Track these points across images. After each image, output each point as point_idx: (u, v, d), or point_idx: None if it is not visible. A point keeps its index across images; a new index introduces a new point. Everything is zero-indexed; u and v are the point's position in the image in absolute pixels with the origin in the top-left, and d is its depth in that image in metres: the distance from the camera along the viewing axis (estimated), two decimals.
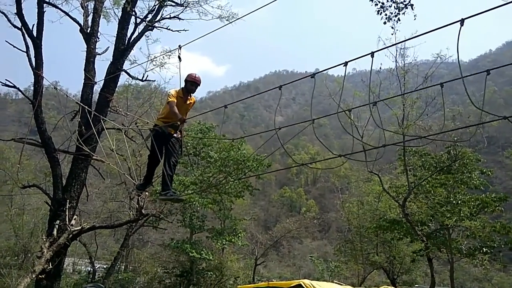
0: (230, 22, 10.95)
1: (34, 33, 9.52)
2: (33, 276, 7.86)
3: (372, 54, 4.51)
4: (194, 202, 18.76)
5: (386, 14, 9.53)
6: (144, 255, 25.62)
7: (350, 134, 5.93)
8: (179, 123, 6.43)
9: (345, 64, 4.72)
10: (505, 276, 26.24)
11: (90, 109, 9.40)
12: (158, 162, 6.73)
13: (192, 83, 6.55)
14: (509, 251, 16.60)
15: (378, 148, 5.89)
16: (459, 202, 14.77)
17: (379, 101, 6.15)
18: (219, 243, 20.31)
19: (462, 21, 3.75)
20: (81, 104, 9.30)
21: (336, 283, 14.40)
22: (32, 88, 9.71)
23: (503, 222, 16.00)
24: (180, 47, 6.50)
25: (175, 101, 6.37)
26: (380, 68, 16.51)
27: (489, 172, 16.40)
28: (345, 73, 5.13)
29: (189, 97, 6.65)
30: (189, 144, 19.99)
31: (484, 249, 14.55)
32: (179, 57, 6.45)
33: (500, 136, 65.96)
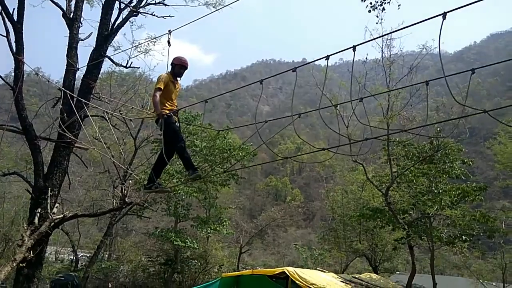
0: (217, 10, 10.85)
1: (15, 17, 9.24)
2: (14, 264, 7.75)
3: (354, 47, 4.51)
4: (179, 191, 18.71)
5: (371, 3, 9.60)
6: (128, 243, 25.54)
7: (335, 131, 5.96)
8: (157, 116, 6.11)
9: (327, 58, 4.74)
10: (483, 263, 26.90)
11: (73, 94, 9.23)
12: (172, 153, 6.44)
13: (181, 66, 6.39)
14: (487, 239, 17.01)
15: (362, 141, 5.94)
16: (441, 191, 15.01)
17: (366, 97, 6.20)
18: (203, 232, 20.36)
19: (444, 15, 3.79)
20: (64, 89, 9.10)
21: (319, 270, 14.66)
22: (13, 74, 9.46)
23: (483, 211, 16.36)
24: (170, 31, 6.34)
25: (162, 88, 6.12)
26: (366, 58, 16.54)
27: (470, 162, 16.70)
28: (326, 67, 5.13)
29: (176, 82, 6.49)
30: None
31: (464, 237, 14.88)
32: (168, 42, 6.29)
33: (482, 127, 67.24)
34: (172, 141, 6.11)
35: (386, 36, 15.20)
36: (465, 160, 16.23)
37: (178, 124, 6.44)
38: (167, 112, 6.09)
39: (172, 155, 6.50)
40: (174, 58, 6.40)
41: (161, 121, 6.01)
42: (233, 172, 21.33)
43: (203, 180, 20.39)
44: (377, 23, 15.82)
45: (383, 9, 9.74)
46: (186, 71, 6.51)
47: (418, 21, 4.15)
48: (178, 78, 6.53)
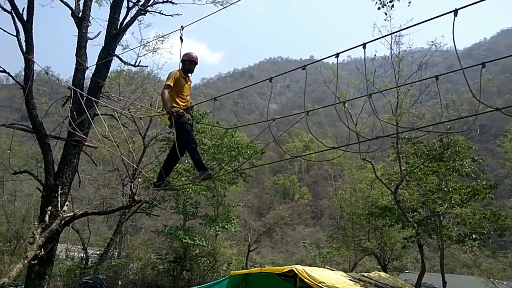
0: (225, 7, 10.82)
1: (25, 17, 9.33)
2: (26, 262, 7.84)
3: (364, 45, 4.49)
4: (188, 189, 18.75)
5: (380, 0, 9.55)
6: (137, 241, 25.70)
7: (346, 125, 5.93)
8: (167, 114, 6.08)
9: (337, 55, 4.73)
10: (494, 262, 26.66)
11: (82, 93, 9.30)
12: (183, 152, 6.40)
13: (191, 62, 6.41)
14: (498, 238, 16.84)
15: (371, 140, 5.89)
16: (451, 189, 14.89)
17: (375, 93, 6.16)
18: (212, 230, 20.41)
19: (455, 11, 3.74)
20: (74, 88, 9.18)
21: (328, 268, 14.64)
22: (23, 73, 9.56)
23: (493, 209, 16.21)
24: (182, 27, 6.35)
25: (171, 85, 6.11)
26: (375, 55, 16.42)
27: (481, 160, 16.53)
28: (337, 64, 5.12)
29: (188, 78, 6.49)
30: None
31: (474, 236, 14.73)
32: (181, 38, 6.32)
33: (493, 124, 66.48)
34: (183, 141, 6.08)
35: (395, 33, 15.08)
36: (475, 158, 16.07)
37: (192, 122, 6.41)
38: (179, 110, 6.05)
39: (183, 154, 6.50)
40: (184, 55, 6.42)
41: (172, 119, 5.99)
42: (242, 170, 21.33)
43: (212, 178, 20.40)
44: (385, 20, 15.69)
45: (392, 6, 9.68)
46: (196, 66, 6.51)
47: (429, 18, 4.11)
48: (190, 74, 6.53)
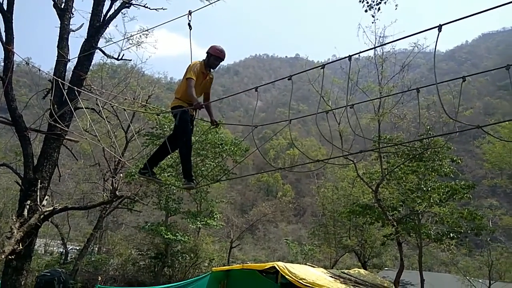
0: (211, 3, 10.75)
1: (5, 6, 9.11)
2: (3, 256, 7.70)
3: (349, 57, 4.55)
4: (171, 186, 18.66)
5: (368, 2, 9.64)
6: (118, 237, 25.43)
7: (329, 141, 6.01)
8: (194, 108, 5.69)
9: (323, 66, 4.80)
10: (470, 260, 27.30)
11: (64, 82, 9.15)
12: (175, 149, 6.14)
13: (216, 57, 5.96)
14: (474, 237, 17.28)
15: (356, 154, 6.00)
16: (430, 189, 15.19)
17: (357, 103, 6.26)
18: (194, 224, 20.37)
19: (440, 27, 3.82)
20: (56, 78, 9.00)
21: (309, 265, 14.80)
22: (2, 64, 9.35)
23: (471, 209, 16.61)
24: (190, 12, 5.79)
25: (194, 79, 5.68)
26: (359, 55, 16.63)
27: (459, 161, 16.91)
28: (323, 77, 5.21)
29: (208, 72, 6.05)
30: (165, 126, 19.75)
31: (452, 235, 15.10)
32: (189, 25, 5.78)
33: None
34: (180, 142, 5.85)
35: (379, 34, 15.33)
36: (454, 159, 16.44)
37: (193, 118, 6.09)
38: (201, 105, 5.72)
39: (174, 150, 6.28)
40: (210, 47, 6.01)
41: (178, 115, 5.70)
42: (225, 167, 21.32)
43: (195, 175, 20.28)
44: (372, 22, 15.97)
45: (379, 9, 9.79)
46: (222, 62, 6.13)
47: (415, 32, 4.41)
48: (212, 70, 6.13)
